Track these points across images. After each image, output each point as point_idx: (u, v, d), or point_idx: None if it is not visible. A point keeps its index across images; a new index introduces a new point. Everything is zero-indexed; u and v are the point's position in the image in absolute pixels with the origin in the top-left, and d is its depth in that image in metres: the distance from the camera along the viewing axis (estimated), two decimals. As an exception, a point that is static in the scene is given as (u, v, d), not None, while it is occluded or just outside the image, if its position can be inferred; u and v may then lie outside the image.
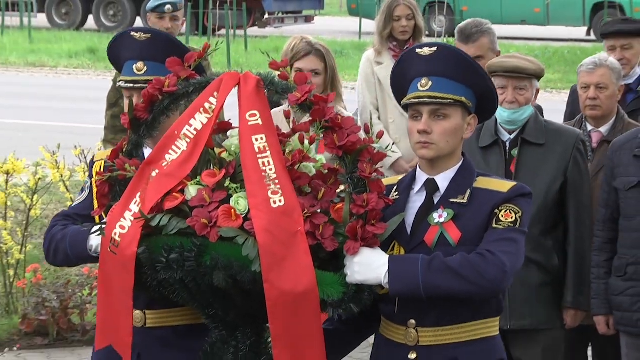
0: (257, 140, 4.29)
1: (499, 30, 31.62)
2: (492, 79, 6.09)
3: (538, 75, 6.23)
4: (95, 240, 4.50)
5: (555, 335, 6.19)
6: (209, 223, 4.15)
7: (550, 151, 6.14)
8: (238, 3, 30.91)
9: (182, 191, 4.28)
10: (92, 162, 5.02)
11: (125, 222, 4.27)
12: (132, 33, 5.01)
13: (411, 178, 4.57)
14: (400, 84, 4.58)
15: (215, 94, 4.39)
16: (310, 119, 4.34)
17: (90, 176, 4.89)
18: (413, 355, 4.44)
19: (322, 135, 4.37)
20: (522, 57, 6.43)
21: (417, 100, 4.45)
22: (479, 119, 4.60)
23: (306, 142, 4.41)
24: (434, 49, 4.49)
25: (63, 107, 20.46)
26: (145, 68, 4.88)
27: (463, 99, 4.46)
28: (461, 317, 4.43)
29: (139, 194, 4.30)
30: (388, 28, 9.01)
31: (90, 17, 33.48)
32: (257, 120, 4.33)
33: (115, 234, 4.27)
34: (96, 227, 4.46)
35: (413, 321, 4.43)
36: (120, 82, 4.98)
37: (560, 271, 6.12)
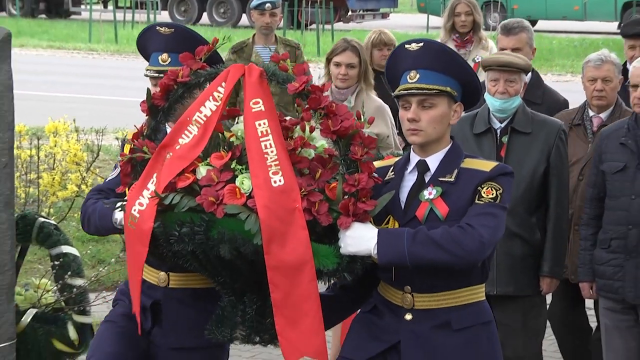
0: (260, 125, 4.13)
1: (544, 24, 31.44)
2: (486, 73, 6.03)
3: (526, 70, 6.09)
4: (119, 215, 4.39)
5: (535, 301, 6.07)
6: (216, 201, 4.02)
7: (536, 139, 5.99)
8: (326, 2, 30.94)
9: (193, 171, 4.15)
10: (124, 141, 4.82)
11: (143, 199, 4.14)
12: (158, 28, 4.89)
13: (405, 160, 4.42)
14: (394, 76, 4.40)
15: (223, 83, 4.24)
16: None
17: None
18: (409, 317, 4.29)
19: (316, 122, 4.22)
20: (512, 54, 6.31)
21: (406, 91, 4.29)
22: (465, 106, 4.42)
23: (307, 129, 4.24)
24: (421, 44, 4.30)
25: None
26: (169, 59, 4.78)
27: (448, 88, 4.29)
28: (452, 285, 4.26)
29: (155, 174, 4.17)
30: (451, 22, 9.01)
31: (205, 14, 33.61)
32: (260, 107, 4.17)
33: (135, 210, 4.15)
34: (119, 204, 4.34)
35: (409, 287, 4.28)
36: (147, 72, 4.86)
37: (541, 245, 5.98)
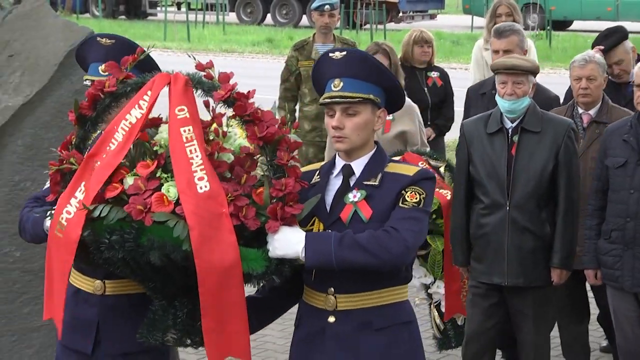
0: (185, 131, 3.87)
1: (579, 24, 31.03)
2: (495, 76, 5.91)
3: (533, 72, 5.92)
4: (49, 222, 4.08)
5: (545, 291, 5.91)
6: (144, 209, 3.76)
7: (545, 137, 5.82)
8: (379, 4, 30.92)
9: (121, 181, 3.88)
10: None
11: (71, 207, 3.87)
12: (99, 39, 4.61)
13: (331, 164, 4.19)
14: (320, 84, 4.17)
15: (149, 92, 3.97)
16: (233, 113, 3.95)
17: None
18: (332, 319, 4.05)
19: (241, 129, 4.00)
20: (519, 57, 6.19)
21: (329, 100, 4.05)
22: (389, 111, 4.19)
23: (220, 134, 4.02)
24: (344, 53, 4.08)
25: (248, 83, 20.55)
26: (110, 64, 4.34)
27: (371, 96, 4.04)
28: (374, 285, 4.03)
29: (83, 183, 3.91)
30: (492, 22, 8.98)
31: (269, 15, 33.67)
32: (185, 114, 3.90)
33: (62, 218, 3.88)
34: (49, 212, 4.10)
35: (332, 289, 4.04)
36: (86, 81, 4.54)
37: (551, 238, 5.82)
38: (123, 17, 35.79)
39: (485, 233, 5.86)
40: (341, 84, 4.06)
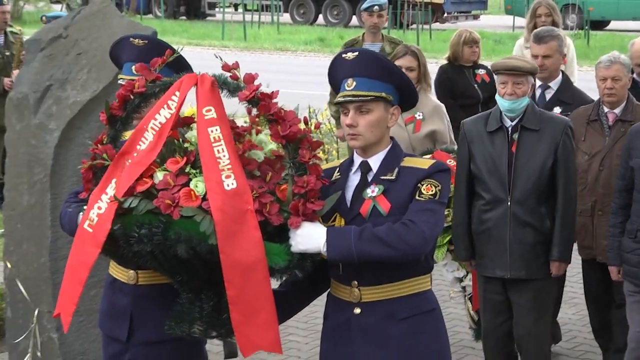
0: (212, 131, 3.84)
1: (616, 24, 30.72)
2: (496, 76, 5.82)
3: (532, 73, 5.82)
4: (81, 216, 4.06)
5: (545, 283, 5.83)
6: (173, 203, 3.73)
7: (544, 135, 5.74)
8: (425, 5, 30.83)
9: (151, 176, 3.86)
10: None
11: (102, 203, 3.84)
12: (132, 39, 4.59)
13: (350, 161, 4.16)
14: (335, 83, 4.15)
15: (177, 92, 3.94)
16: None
17: None
18: (357, 310, 4.03)
19: (267, 127, 3.96)
20: (519, 58, 6.06)
21: (342, 99, 4.02)
22: (403, 108, 4.14)
23: (253, 132, 4.02)
24: (356, 53, 4.04)
25: (300, 80, 20.62)
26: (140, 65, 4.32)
27: (383, 94, 4.00)
28: (396, 277, 4.00)
29: (114, 179, 3.88)
30: (532, 22, 8.94)
31: (320, 16, 33.68)
32: (212, 114, 3.87)
33: (93, 213, 3.85)
34: (81, 208, 4.07)
35: (356, 282, 4.01)
36: (121, 80, 4.47)
37: (551, 232, 5.75)
38: (183, 17, 35.91)
39: (487, 228, 5.80)
40: (354, 83, 4.03)
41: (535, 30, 7.25)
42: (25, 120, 6.27)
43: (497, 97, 5.80)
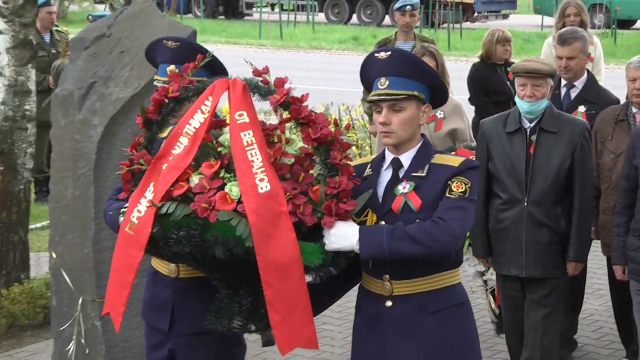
0: (245, 135, 3.81)
1: (643, 23, 30.27)
2: (515, 79, 5.70)
3: (551, 75, 5.73)
4: (122, 218, 4.06)
5: (560, 282, 5.76)
6: (209, 207, 3.73)
7: (562, 137, 5.64)
8: (456, 5, 30.73)
9: (187, 180, 3.86)
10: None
11: (141, 207, 3.84)
12: (165, 42, 4.57)
13: (381, 157, 4.12)
14: (367, 82, 4.12)
15: (210, 97, 3.92)
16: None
17: None
18: (389, 303, 4.00)
19: (298, 131, 3.93)
20: (539, 60, 5.92)
21: (376, 97, 4.00)
22: (434, 106, 4.10)
23: (283, 140, 3.96)
24: (389, 53, 4.01)
25: (334, 77, 20.61)
26: (177, 70, 4.30)
27: (415, 92, 3.98)
28: (426, 271, 3.98)
29: (152, 183, 3.87)
30: (561, 22, 8.88)
31: (354, 15, 33.65)
32: (244, 118, 3.85)
33: (134, 216, 3.85)
34: (122, 209, 4.07)
35: (387, 276, 3.99)
36: (156, 81, 4.51)
37: (566, 232, 5.67)
38: (222, 17, 35.98)
39: (504, 227, 5.74)
40: (387, 82, 4.00)
41: (558, 32, 7.15)
42: (70, 116, 6.30)
43: (516, 98, 5.73)
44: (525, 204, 5.65)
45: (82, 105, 6.22)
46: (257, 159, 3.80)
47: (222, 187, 3.81)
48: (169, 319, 4.45)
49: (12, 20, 7.59)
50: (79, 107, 6.22)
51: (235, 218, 3.74)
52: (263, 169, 3.78)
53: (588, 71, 6.85)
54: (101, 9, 21.94)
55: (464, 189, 3.95)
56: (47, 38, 10.77)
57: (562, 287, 5.82)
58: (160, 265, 4.46)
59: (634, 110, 6.21)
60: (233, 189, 3.79)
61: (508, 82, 8.66)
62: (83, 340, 6.23)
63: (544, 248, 5.67)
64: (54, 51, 10.70)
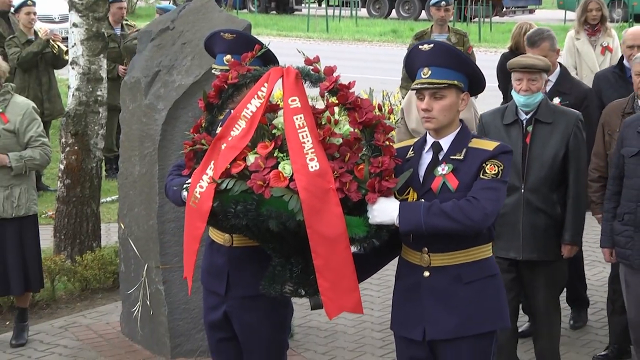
0: (297, 119, 3.82)
1: (658, 17, 29.80)
2: (512, 74, 5.54)
3: (546, 70, 5.55)
4: (185, 193, 4.09)
5: (556, 265, 5.62)
6: (264, 184, 3.75)
7: (556, 128, 5.48)
8: (486, 1, 30.49)
9: (244, 159, 3.87)
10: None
11: (203, 183, 3.88)
12: (222, 34, 4.52)
13: (423, 141, 4.09)
14: (411, 72, 4.09)
15: (265, 84, 3.94)
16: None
17: None
18: (427, 274, 4.00)
19: (346, 115, 3.93)
20: (534, 56, 5.75)
21: (419, 86, 3.98)
22: (472, 94, 4.09)
23: (332, 121, 3.95)
24: (432, 45, 3.99)
25: (375, 66, 20.52)
26: (232, 60, 4.33)
27: (455, 82, 3.96)
28: (461, 245, 3.96)
29: (212, 161, 3.90)
30: (583, 16, 8.75)
31: (393, 11, 33.50)
32: (297, 103, 3.85)
33: (197, 192, 3.89)
34: (185, 185, 4.09)
35: (426, 248, 3.98)
36: (214, 70, 4.48)
37: (561, 218, 5.52)
38: (274, 12, 35.96)
39: (503, 213, 5.42)
40: (429, 72, 3.98)
41: (527, 35, 6.84)
42: (137, 101, 6.33)
43: (512, 92, 5.58)
44: (523, 191, 5.49)
45: (148, 92, 6.24)
46: (308, 140, 3.81)
47: (275, 166, 3.82)
48: (225, 283, 4.45)
49: (86, 14, 7.62)
50: (146, 93, 6.24)
51: (288, 194, 3.75)
52: (313, 149, 3.79)
53: (560, 64, 6.63)
54: (165, 3, 22.06)
55: (496, 171, 3.91)
56: (117, 31, 10.81)
57: (559, 269, 5.68)
58: (216, 236, 4.46)
59: None
60: (286, 168, 3.80)
61: None
62: (148, 302, 6.27)
63: (540, 233, 5.52)
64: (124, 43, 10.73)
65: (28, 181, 6.42)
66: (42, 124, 6.53)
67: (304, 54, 4.03)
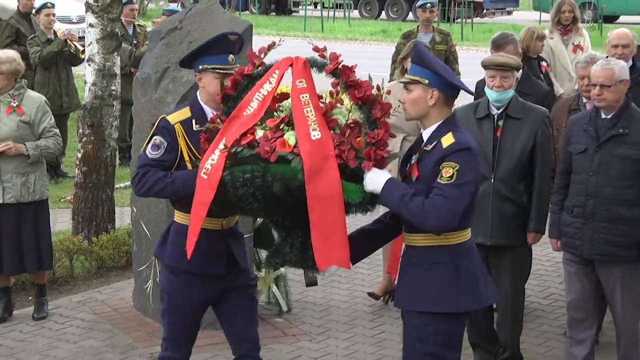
0: (303, 97, 3.92)
1: (625, 18, 30.01)
2: (486, 71, 5.48)
3: (517, 68, 5.51)
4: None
5: (522, 250, 5.57)
6: (270, 150, 3.83)
7: (525, 123, 5.42)
8: (468, 3, 30.43)
9: (253, 133, 3.96)
10: (171, 126, 4.37)
11: (215, 156, 3.94)
12: (229, 35, 4.50)
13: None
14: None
15: (277, 71, 4.03)
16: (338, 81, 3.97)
17: (164, 137, 4.36)
18: (405, 250, 4.07)
19: (346, 93, 3.98)
20: (507, 55, 5.69)
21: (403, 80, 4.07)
22: (449, 94, 3.98)
23: (334, 97, 4.01)
24: (413, 44, 4.05)
25: (367, 63, 20.41)
26: (235, 59, 4.43)
27: (418, 78, 3.95)
28: (415, 229, 3.95)
29: (224, 138, 3.97)
30: (557, 17, 8.72)
31: (383, 12, 33.44)
32: (303, 84, 3.95)
33: (208, 163, 3.95)
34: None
35: (405, 227, 4.03)
36: (218, 70, 4.42)
37: (527, 206, 5.45)
38: (273, 13, 35.85)
39: None
40: (409, 69, 4.07)
41: (492, 39, 6.79)
42: (148, 95, 6.32)
43: (486, 88, 5.51)
44: (492, 180, 5.41)
45: (158, 86, 6.23)
46: (312, 114, 3.89)
47: (282, 136, 3.89)
48: (225, 263, 4.44)
49: (101, 16, 7.60)
50: (156, 87, 6.23)
51: (291, 155, 3.82)
52: (316, 121, 3.87)
53: (523, 66, 6.59)
54: (173, 6, 21.98)
55: (451, 174, 3.84)
56: (130, 31, 10.78)
57: (524, 255, 5.63)
58: (211, 224, 4.34)
59: (584, 100, 5.98)
60: (291, 138, 3.87)
61: (542, 75, 8.38)
62: (158, 279, 6.27)
63: (508, 220, 5.44)
64: (135, 42, 10.71)
65: (41, 168, 6.44)
66: (53, 116, 6.53)
67: (312, 43, 4.12)
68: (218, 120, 4.08)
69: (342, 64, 3.94)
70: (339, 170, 3.81)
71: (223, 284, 4.47)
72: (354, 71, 3.95)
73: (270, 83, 4.02)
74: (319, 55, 4.00)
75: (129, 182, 7.76)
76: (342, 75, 3.93)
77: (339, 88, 3.99)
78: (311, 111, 3.89)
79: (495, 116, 5.50)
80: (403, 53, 6.62)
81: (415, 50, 4.06)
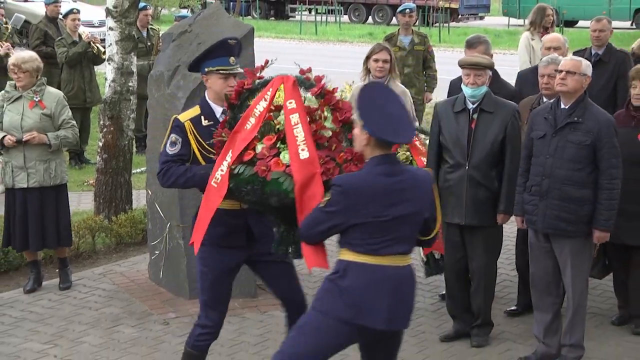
0: (292, 117, 3.94)
1: (584, 23, 29.86)
2: (462, 70, 5.43)
3: (490, 67, 5.47)
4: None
5: (493, 230, 5.49)
6: (266, 169, 3.90)
7: (497, 116, 5.37)
8: (445, 9, 30.39)
9: (254, 149, 4.03)
10: (182, 123, 4.44)
11: (223, 167, 4.02)
12: (229, 40, 4.52)
13: None
14: None
15: (270, 89, 4.07)
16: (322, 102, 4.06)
17: (178, 134, 4.42)
18: None
19: (330, 113, 4.06)
20: (480, 55, 5.67)
21: None
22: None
23: (322, 117, 4.05)
24: None
25: (355, 63, 20.37)
26: (235, 60, 4.48)
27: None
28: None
29: (230, 150, 4.04)
30: (543, 20, 8.40)
31: (370, 17, 33.36)
32: (293, 105, 3.97)
33: (217, 174, 4.03)
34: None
35: None
36: (221, 71, 4.45)
37: (498, 191, 5.41)
38: (272, 18, 35.77)
39: (450, 185, 5.44)
40: None
41: (466, 39, 6.60)
42: (161, 90, 6.29)
43: (462, 85, 5.48)
44: (467, 167, 5.36)
45: (170, 83, 6.20)
46: (301, 134, 3.91)
47: (277, 154, 3.95)
48: (245, 236, 4.44)
49: (120, 20, 7.56)
50: (168, 84, 6.21)
51: (283, 177, 3.89)
52: (304, 141, 3.89)
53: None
54: (184, 12, 21.91)
55: (324, 201, 3.69)
56: (144, 34, 10.73)
57: (495, 234, 5.57)
58: (229, 205, 4.33)
59: (545, 99, 5.88)
60: (285, 156, 3.92)
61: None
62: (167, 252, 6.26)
63: (480, 202, 5.41)
64: (149, 44, 10.67)
65: (61, 156, 6.44)
66: (70, 109, 6.51)
67: (299, 65, 4.17)
68: (223, 134, 4.15)
69: (325, 87, 4.06)
70: (326, 185, 3.83)
71: (248, 251, 4.49)
72: (335, 94, 4.08)
73: (265, 100, 4.06)
74: (304, 78, 4.10)
75: (145, 168, 7.75)
76: (326, 100, 4.05)
77: (325, 111, 4.07)
78: (300, 132, 3.90)
79: (471, 110, 5.47)
80: (367, 54, 6.52)
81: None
